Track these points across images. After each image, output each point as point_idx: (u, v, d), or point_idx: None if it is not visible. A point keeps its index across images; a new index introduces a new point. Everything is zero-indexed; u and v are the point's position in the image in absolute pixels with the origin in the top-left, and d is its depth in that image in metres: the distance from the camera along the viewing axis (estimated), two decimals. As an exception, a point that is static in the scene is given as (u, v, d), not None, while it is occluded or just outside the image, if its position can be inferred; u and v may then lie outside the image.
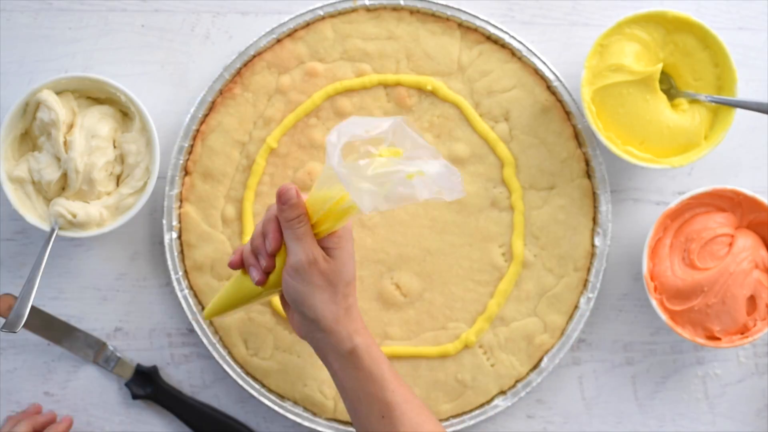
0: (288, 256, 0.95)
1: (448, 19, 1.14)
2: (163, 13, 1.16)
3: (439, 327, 1.14)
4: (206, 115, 1.14)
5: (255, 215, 1.14)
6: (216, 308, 1.04)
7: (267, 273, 0.98)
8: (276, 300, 1.13)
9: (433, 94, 1.14)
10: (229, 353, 1.14)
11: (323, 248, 0.96)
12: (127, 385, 1.15)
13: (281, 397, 1.14)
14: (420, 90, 1.14)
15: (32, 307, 1.10)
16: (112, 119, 1.11)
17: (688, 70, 1.11)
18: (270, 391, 1.14)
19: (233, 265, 1.00)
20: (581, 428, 1.16)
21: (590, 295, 1.13)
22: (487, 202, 1.14)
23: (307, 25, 1.14)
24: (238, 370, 1.14)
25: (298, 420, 1.13)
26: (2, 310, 1.12)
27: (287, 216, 0.95)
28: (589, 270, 1.14)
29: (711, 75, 1.10)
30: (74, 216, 1.08)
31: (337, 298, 0.96)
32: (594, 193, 1.14)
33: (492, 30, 1.14)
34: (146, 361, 1.16)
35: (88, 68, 1.16)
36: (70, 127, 1.09)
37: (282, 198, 0.94)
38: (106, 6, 1.16)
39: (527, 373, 1.14)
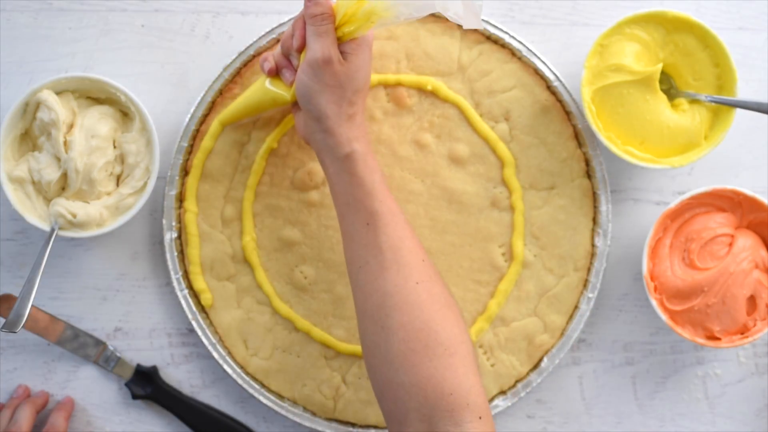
0: (306, 53, 1.00)
1: (448, 19, 1.14)
2: (163, 13, 1.16)
3: (439, 327, 1.14)
4: (206, 115, 1.14)
5: (255, 215, 1.14)
6: (235, 114, 1.10)
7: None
8: (275, 300, 1.13)
9: (433, 94, 1.14)
10: (229, 353, 1.14)
11: (341, 52, 0.99)
12: (127, 385, 1.15)
13: (281, 397, 1.14)
14: (420, 90, 1.14)
15: (32, 307, 1.10)
16: (112, 119, 1.11)
17: (688, 70, 1.11)
18: (270, 391, 1.14)
19: (272, 72, 1.05)
20: (581, 428, 1.16)
21: (590, 295, 1.13)
22: (487, 202, 1.14)
23: (307, 25, 1.14)
24: (238, 370, 1.14)
25: (298, 420, 1.13)
26: (2, 310, 1.13)
27: (312, 12, 0.99)
28: (589, 270, 1.14)
29: (711, 75, 1.10)
30: (74, 216, 1.08)
31: (343, 102, 0.99)
32: (594, 193, 1.14)
33: (492, 30, 1.14)
34: (146, 361, 1.16)
35: (88, 68, 1.16)
36: (70, 127, 1.09)
37: None
38: (106, 6, 1.16)
39: (527, 373, 1.14)
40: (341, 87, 0.99)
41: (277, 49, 1.05)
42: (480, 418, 0.92)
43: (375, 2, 0.96)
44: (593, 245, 1.14)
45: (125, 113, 1.13)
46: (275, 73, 1.06)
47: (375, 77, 1.13)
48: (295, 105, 1.06)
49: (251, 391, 1.13)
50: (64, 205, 1.08)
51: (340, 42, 1.00)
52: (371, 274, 0.97)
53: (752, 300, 1.08)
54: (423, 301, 0.95)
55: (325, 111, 0.99)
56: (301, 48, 1.02)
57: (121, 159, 1.11)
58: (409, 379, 0.93)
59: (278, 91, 1.06)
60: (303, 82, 1.00)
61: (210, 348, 1.14)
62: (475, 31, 1.14)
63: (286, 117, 1.13)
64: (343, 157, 0.99)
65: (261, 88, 1.07)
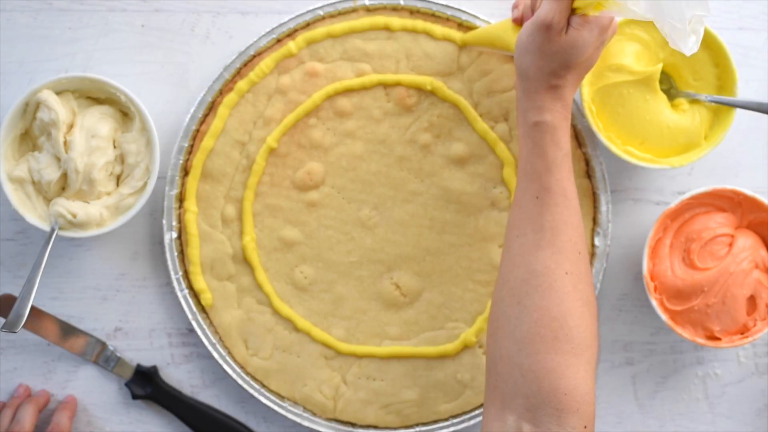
0: (538, 10, 0.97)
1: (448, 19, 1.14)
2: (163, 13, 1.16)
3: (439, 327, 1.14)
4: (206, 115, 1.14)
5: (255, 215, 1.14)
6: (475, 37, 1.11)
7: None
8: (275, 300, 1.13)
9: (432, 94, 1.14)
10: (229, 353, 1.14)
11: (567, 25, 0.96)
12: (127, 385, 1.15)
13: (281, 397, 1.14)
14: (420, 90, 1.14)
15: (32, 307, 1.10)
16: (112, 119, 1.11)
17: (688, 70, 1.11)
18: (270, 391, 1.14)
19: (517, 21, 1.04)
20: (581, 428, 1.16)
21: (590, 295, 1.13)
22: (487, 202, 1.14)
23: (307, 25, 1.14)
24: (238, 370, 1.14)
25: (298, 420, 1.13)
26: (2, 310, 1.13)
27: None
28: (589, 270, 1.14)
29: (711, 75, 1.10)
30: (74, 216, 1.08)
31: (547, 70, 0.96)
32: (594, 193, 1.14)
33: (492, 30, 1.14)
34: (146, 361, 1.16)
35: (88, 68, 1.16)
36: (70, 127, 1.09)
37: None
38: (106, 6, 1.16)
39: (527, 373, 1.14)
40: (550, 56, 0.96)
41: (525, 1, 1.04)
42: (585, 427, 0.90)
43: None
44: (593, 245, 1.14)
45: (125, 113, 1.13)
46: (520, 23, 1.04)
47: (375, 77, 1.13)
48: None
49: (251, 391, 1.13)
50: (64, 205, 1.08)
51: (574, 13, 0.96)
52: (525, 247, 0.95)
53: (752, 300, 1.08)
54: (567, 293, 0.93)
55: (527, 72, 0.97)
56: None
57: (121, 159, 1.11)
58: (529, 363, 0.91)
59: (513, 37, 1.04)
60: (520, 37, 0.98)
61: (210, 348, 1.14)
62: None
63: (286, 117, 1.13)
64: (532, 124, 0.97)
65: (505, 26, 1.06)
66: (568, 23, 0.95)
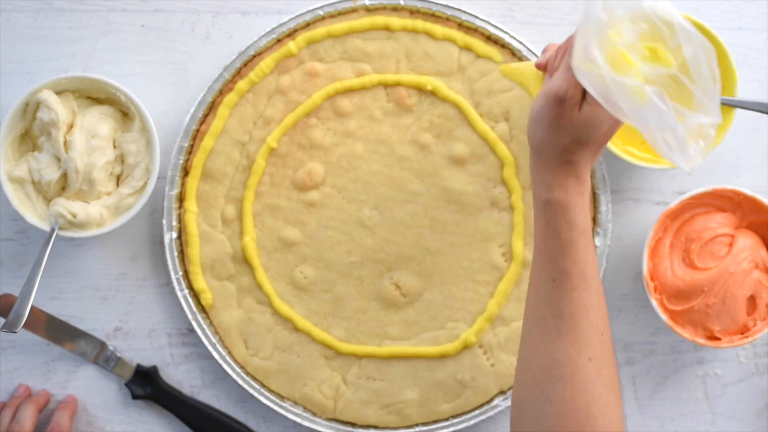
0: (552, 78, 0.91)
1: (448, 19, 1.14)
2: (163, 13, 1.16)
3: (439, 327, 1.14)
4: (206, 115, 1.14)
5: (255, 215, 1.14)
6: (511, 71, 1.03)
7: None
8: (275, 301, 1.13)
9: (433, 94, 1.14)
10: (229, 353, 1.14)
11: (582, 99, 0.89)
12: (127, 385, 1.15)
13: (281, 397, 1.14)
14: (420, 90, 1.14)
15: (32, 307, 1.10)
16: (112, 119, 1.11)
17: (688, 70, 1.11)
18: (270, 391, 1.14)
19: (540, 67, 0.97)
20: (581, 428, 1.16)
21: (590, 295, 1.13)
22: (487, 202, 1.14)
23: (307, 25, 1.14)
24: (238, 370, 1.14)
25: (298, 420, 1.13)
26: (2, 310, 1.13)
27: (568, 44, 0.91)
28: (589, 270, 1.14)
29: (711, 75, 1.10)
30: (74, 216, 1.08)
31: (559, 145, 0.90)
32: (594, 193, 1.14)
33: (492, 30, 1.14)
34: (146, 361, 1.16)
35: (88, 68, 1.16)
36: (70, 127, 1.09)
37: None
38: (106, 6, 1.16)
39: (527, 373, 1.14)
40: (562, 130, 0.89)
41: (554, 50, 0.96)
42: None
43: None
44: (593, 245, 1.14)
45: (125, 113, 1.13)
46: (542, 68, 0.97)
47: (375, 77, 1.13)
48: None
49: (251, 391, 1.13)
50: (64, 205, 1.08)
51: None
52: (546, 333, 0.91)
53: (752, 300, 1.08)
54: (591, 381, 0.89)
55: (539, 145, 0.91)
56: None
57: (121, 159, 1.11)
58: None
59: (535, 84, 1.00)
60: (534, 107, 0.92)
61: (210, 348, 1.14)
62: (475, 30, 1.14)
63: (286, 117, 1.13)
64: (543, 202, 0.92)
65: (530, 68, 1.01)
66: (583, 97, 0.88)
